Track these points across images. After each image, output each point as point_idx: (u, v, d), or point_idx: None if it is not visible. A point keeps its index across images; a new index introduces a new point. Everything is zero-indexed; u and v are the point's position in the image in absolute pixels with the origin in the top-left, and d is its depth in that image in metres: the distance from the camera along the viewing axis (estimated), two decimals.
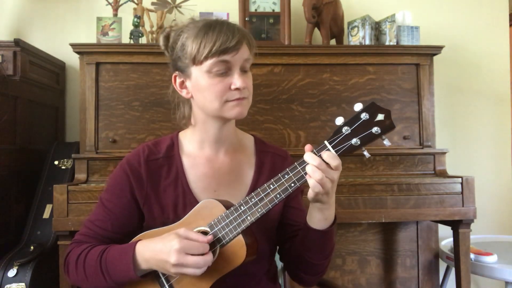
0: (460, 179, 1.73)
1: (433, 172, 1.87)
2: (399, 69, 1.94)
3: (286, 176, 0.88)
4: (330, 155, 0.85)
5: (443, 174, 1.85)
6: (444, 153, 1.89)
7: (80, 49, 1.81)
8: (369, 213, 1.70)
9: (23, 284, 1.60)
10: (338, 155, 0.86)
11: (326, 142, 0.86)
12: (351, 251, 2.10)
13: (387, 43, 2.01)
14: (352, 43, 2.05)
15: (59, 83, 2.20)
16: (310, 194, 0.87)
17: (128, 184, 1.02)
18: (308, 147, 0.88)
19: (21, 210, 1.88)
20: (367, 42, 2.00)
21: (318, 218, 0.94)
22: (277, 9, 2.00)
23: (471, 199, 1.72)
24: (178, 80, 1.04)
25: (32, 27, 2.26)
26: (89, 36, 2.18)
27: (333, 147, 0.86)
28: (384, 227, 2.11)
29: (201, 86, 0.98)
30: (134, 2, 2.04)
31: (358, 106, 0.85)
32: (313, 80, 1.90)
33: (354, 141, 0.85)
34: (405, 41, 1.98)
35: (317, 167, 0.84)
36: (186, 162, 1.05)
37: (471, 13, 2.38)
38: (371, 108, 0.85)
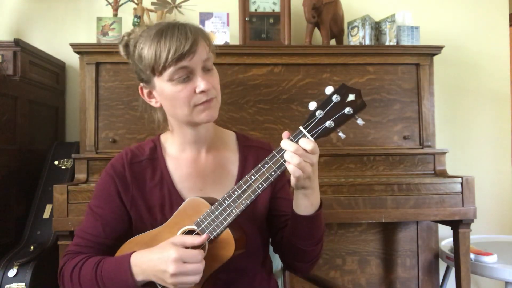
0: (460, 179, 1.73)
1: (433, 172, 1.87)
2: (399, 69, 1.94)
3: (266, 165, 0.89)
4: (304, 140, 0.86)
5: (443, 174, 1.85)
6: (444, 153, 1.89)
7: (80, 49, 1.81)
8: (369, 213, 1.70)
9: (23, 284, 1.60)
10: (314, 138, 0.87)
11: (301, 127, 0.88)
12: (351, 251, 2.10)
13: (387, 43, 2.01)
14: (352, 43, 2.05)
15: (59, 83, 2.20)
16: (292, 180, 0.88)
17: (114, 188, 1.02)
18: (285, 134, 0.89)
19: (21, 210, 1.88)
20: (367, 42, 2.00)
21: (304, 205, 0.94)
22: (277, 9, 2.00)
23: (471, 199, 1.72)
24: (145, 91, 1.03)
25: (32, 27, 2.26)
26: (89, 36, 2.18)
27: (308, 132, 0.87)
28: (384, 227, 2.11)
29: (167, 95, 0.97)
30: (134, 2, 2.04)
31: (328, 89, 0.86)
32: (313, 80, 1.90)
33: (328, 123, 0.86)
34: (405, 41, 1.98)
35: (294, 152, 0.85)
36: (170, 163, 1.06)
37: (471, 13, 2.38)
38: (341, 90, 0.86)
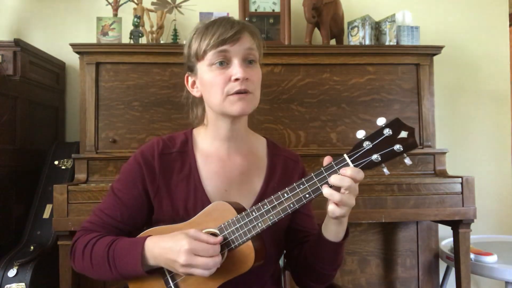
0: (460, 179, 1.73)
1: (433, 172, 1.87)
2: (399, 69, 1.94)
3: (301, 186, 0.86)
4: (354, 170, 0.83)
5: (443, 174, 1.85)
6: (444, 153, 1.89)
7: (80, 49, 1.81)
8: (369, 213, 1.70)
9: (23, 284, 1.60)
10: None
11: (345, 155, 0.85)
12: (351, 251, 2.10)
13: (387, 43, 2.01)
14: (352, 43, 2.05)
15: (59, 83, 2.20)
16: (337, 211, 0.85)
17: (140, 175, 1.02)
18: (327, 159, 0.86)
19: (21, 210, 1.88)
20: (367, 42, 2.00)
21: (336, 231, 0.94)
22: (277, 9, 2.00)
23: (471, 199, 1.72)
24: (190, 80, 1.06)
25: (32, 27, 2.26)
26: (89, 36, 2.18)
27: (353, 162, 0.84)
28: (384, 227, 2.11)
29: (205, 81, 0.98)
30: (134, 2, 2.04)
31: (381, 121, 0.83)
32: (313, 80, 1.90)
33: (375, 157, 0.83)
34: (405, 41, 1.98)
35: (347, 188, 0.83)
36: (199, 159, 1.05)
37: (471, 13, 2.38)
38: (394, 124, 0.82)
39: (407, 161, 0.83)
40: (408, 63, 1.93)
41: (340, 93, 1.90)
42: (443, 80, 2.29)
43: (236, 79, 0.94)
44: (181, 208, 1.01)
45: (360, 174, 0.83)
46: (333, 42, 2.14)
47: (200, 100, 1.06)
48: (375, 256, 2.11)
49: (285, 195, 0.87)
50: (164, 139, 1.07)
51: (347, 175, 0.83)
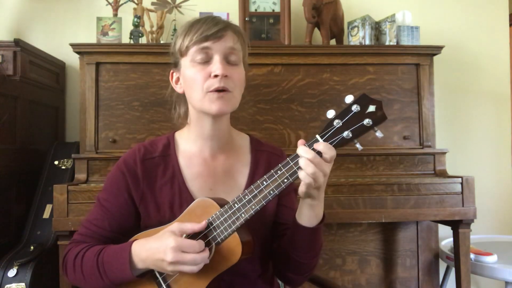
0: (460, 179, 1.73)
1: (433, 172, 1.87)
2: (399, 69, 1.93)
3: (279, 172, 0.88)
4: (326, 146, 0.84)
5: (443, 174, 1.85)
6: (444, 153, 1.89)
7: (80, 49, 1.81)
8: (369, 213, 1.70)
9: (23, 284, 1.60)
10: None
11: (317, 136, 0.86)
12: (351, 251, 2.10)
13: (387, 43, 2.01)
14: (352, 43, 2.05)
15: (59, 83, 2.20)
16: (302, 188, 0.87)
17: (124, 183, 1.02)
18: (300, 142, 0.88)
19: (21, 210, 1.88)
20: (367, 42, 2.00)
21: (309, 215, 0.93)
22: (277, 9, 2.00)
23: (471, 199, 1.72)
24: (174, 77, 1.07)
25: (32, 27, 2.26)
26: (89, 36, 2.18)
27: (325, 141, 0.85)
28: (384, 227, 2.11)
29: (187, 77, 1.00)
30: (134, 2, 2.04)
31: (349, 98, 0.84)
32: (313, 80, 1.90)
33: (346, 134, 0.84)
34: (405, 41, 1.98)
35: (311, 160, 0.83)
36: (182, 161, 1.06)
37: (471, 13, 2.38)
38: (362, 100, 0.84)
39: (378, 134, 0.84)
40: (408, 63, 1.93)
41: (340, 93, 1.90)
42: (443, 80, 2.29)
43: (216, 76, 0.95)
44: (167, 211, 1.01)
45: (331, 151, 0.84)
46: (333, 42, 2.14)
47: (184, 97, 1.06)
48: (375, 256, 2.11)
49: (264, 182, 0.89)
50: (145, 145, 1.08)
51: (319, 149, 0.84)
